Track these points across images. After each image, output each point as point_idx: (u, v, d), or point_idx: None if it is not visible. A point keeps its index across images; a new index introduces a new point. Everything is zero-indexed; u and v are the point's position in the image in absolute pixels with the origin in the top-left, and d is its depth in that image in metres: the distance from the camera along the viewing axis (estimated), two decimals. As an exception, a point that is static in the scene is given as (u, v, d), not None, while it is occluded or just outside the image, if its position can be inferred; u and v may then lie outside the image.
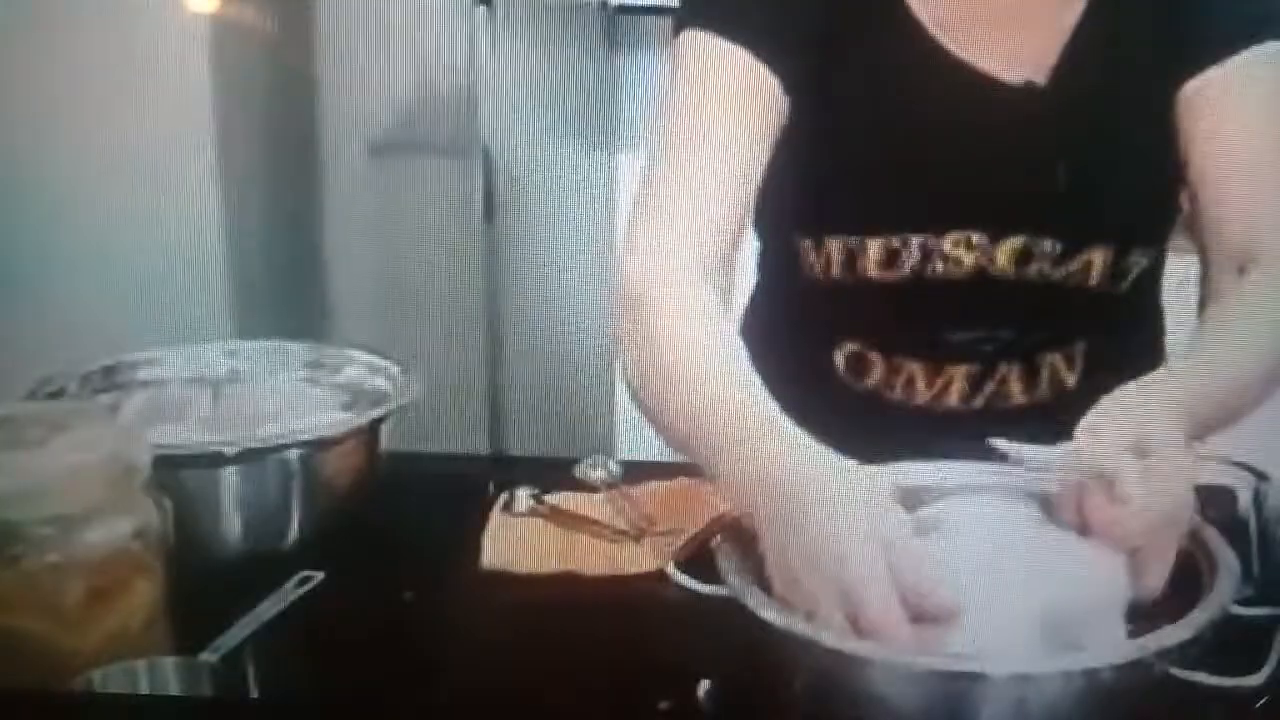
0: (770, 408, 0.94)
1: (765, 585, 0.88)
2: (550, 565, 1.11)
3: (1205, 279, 1.15)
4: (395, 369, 1.21)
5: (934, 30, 1.14)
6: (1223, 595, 0.87)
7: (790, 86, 1.13)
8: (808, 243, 1.19)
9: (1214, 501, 1.03)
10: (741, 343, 1.03)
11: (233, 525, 1.10)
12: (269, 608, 1.00)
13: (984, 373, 1.19)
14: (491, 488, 1.20)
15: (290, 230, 2.05)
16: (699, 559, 0.94)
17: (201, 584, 0.99)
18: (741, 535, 0.93)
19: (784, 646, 0.86)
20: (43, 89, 1.91)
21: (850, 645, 0.83)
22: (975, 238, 1.15)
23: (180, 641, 0.95)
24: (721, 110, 1.12)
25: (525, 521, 1.16)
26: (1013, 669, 0.82)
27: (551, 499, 1.18)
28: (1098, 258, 1.17)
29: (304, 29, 1.97)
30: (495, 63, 1.92)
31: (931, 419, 1.19)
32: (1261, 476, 1.06)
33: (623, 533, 1.14)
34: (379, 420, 1.16)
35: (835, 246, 1.17)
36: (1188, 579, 0.90)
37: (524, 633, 1.05)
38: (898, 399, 1.21)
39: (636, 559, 1.11)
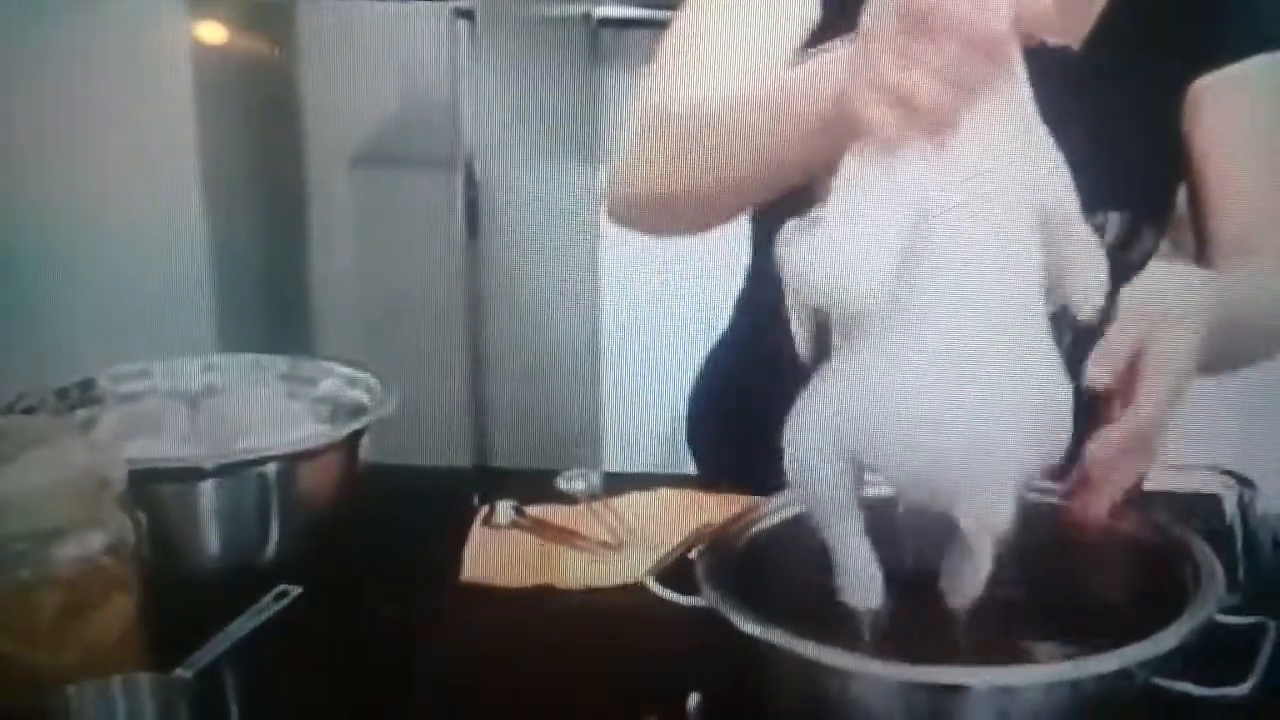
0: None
1: (744, 597, 0.88)
2: (532, 578, 1.11)
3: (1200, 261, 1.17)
4: (374, 381, 1.20)
5: None
6: (1208, 603, 0.87)
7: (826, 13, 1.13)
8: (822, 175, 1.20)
9: (1199, 509, 1.03)
10: None
11: (210, 540, 1.09)
12: (245, 623, 0.99)
13: None
14: (476, 500, 1.20)
15: (273, 243, 2.04)
16: (680, 570, 0.93)
17: (178, 599, 0.98)
18: (720, 546, 0.93)
19: (766, 659, 0.85)
20: (20, 100, 1.91)
21: (830, 657, 0.82)
22: None
23: (155, 657, 0.94)
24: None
25: (507, 534, 1.16)
26: (995, 681, 0.82)
27: (533, 511, 1.18)
28: (1111, 220, 1.18)
29: (286, 42, 1.97)
30: (477, 75, 1.92)
31: None
32: (1246, 483, 1.05)
33: (604, 544, 1.14)
34: (358, 433, 1.15)
35: None
36: (1173, 587, 0.90)
37: (505, 646, 1.04)
38: None
39: (618, 571, 1.10)
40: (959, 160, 0.84)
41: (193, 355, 1.26)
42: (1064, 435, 0.88)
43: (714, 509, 1.13)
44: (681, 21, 1.17)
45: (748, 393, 1.32)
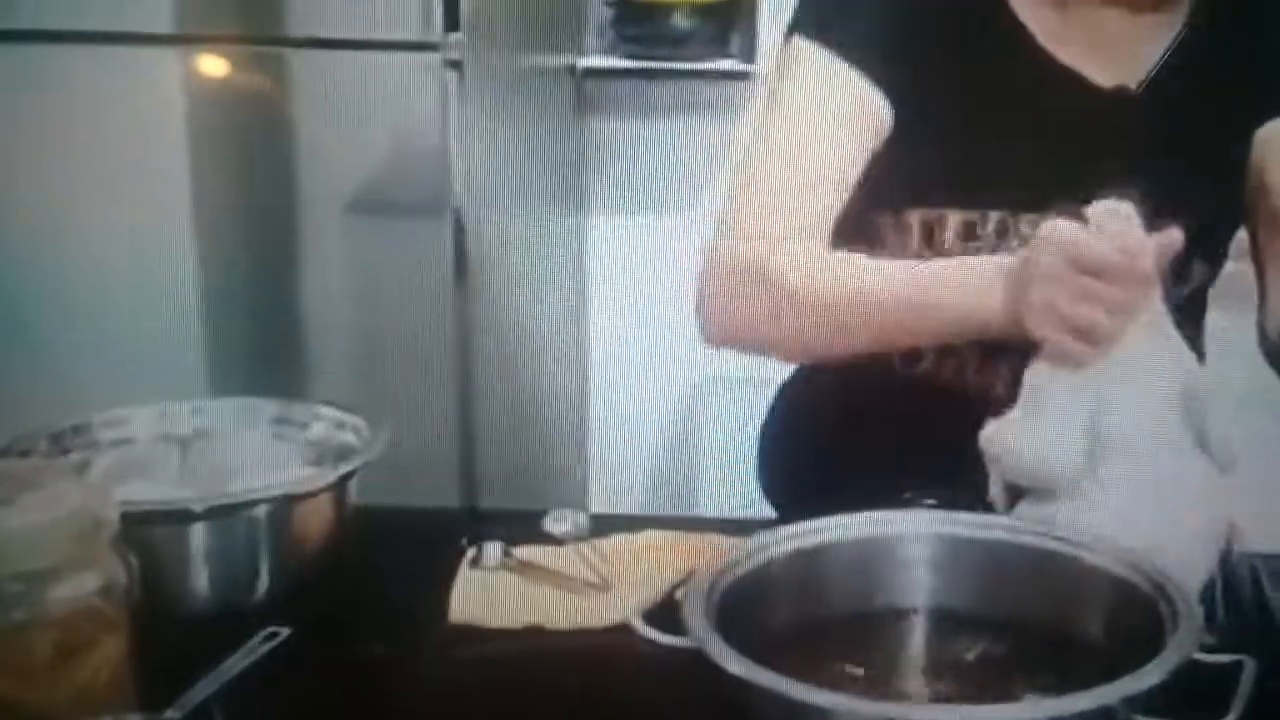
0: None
1: (729, 637, 0.89)
2: (519, 619, 1.11)
3: (1264, 307, 1.22)
4: (362, 424, 1.21)
5: (1043, 40, 1.23)
6: (1187, 642, 0.88)
7: (895, 99, 1.21)
8: (886, 217, 1.24)
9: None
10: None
11: (201, 581, 1.10)
12: (235, 664, 0.99)
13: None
14: (464, 541, 1.20)
15: (264, 287, 2.05)
16: (666, 610, 0.94)
17: (168, 640, 0.98)
18: (705, 587, 0.93)
19: (750, 699, 0.86)
20: (14, 146, 1.92)
21: (813, 697, 0.83)
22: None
23: (145, 698, 0.95)
24: (826, 125, 1.21)
25: (494, 575, 1.16)
26: (981, 718, 0.83)
27: (520, 553, 1.19)
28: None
29: (279, 91, 1.98)
30: (466, 124, 1.94)
31: (980, 404, 1.19)
32: (1225, 524, 1.07)
33: (591, 585, 1.15)
34: (347, 475, 1.16)
35: (915, 219, 1.23)
36: (1152, 626, 0.91)
37: (493, 687, 1.05)
38: (947, 383, 1.27)
39: (605, 611, 1.11)
40: (1122, 356, 1.05)
41: (184, 398, 1.27)
42: (1221, 512, 1.06)
43: (699, 550, 1.15)
44: (753, 166, 1.23)
45: (819, 431, 1.35)
